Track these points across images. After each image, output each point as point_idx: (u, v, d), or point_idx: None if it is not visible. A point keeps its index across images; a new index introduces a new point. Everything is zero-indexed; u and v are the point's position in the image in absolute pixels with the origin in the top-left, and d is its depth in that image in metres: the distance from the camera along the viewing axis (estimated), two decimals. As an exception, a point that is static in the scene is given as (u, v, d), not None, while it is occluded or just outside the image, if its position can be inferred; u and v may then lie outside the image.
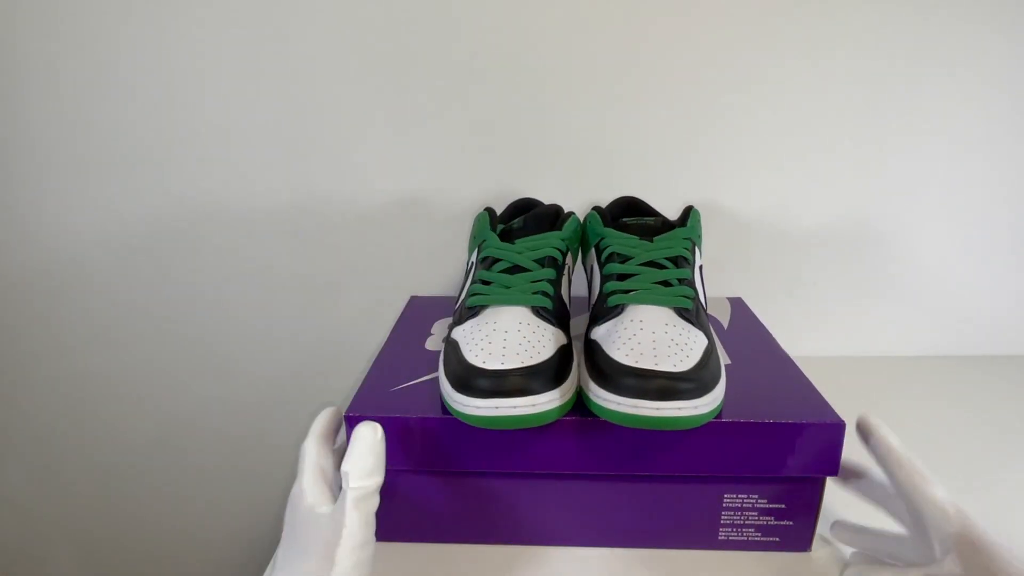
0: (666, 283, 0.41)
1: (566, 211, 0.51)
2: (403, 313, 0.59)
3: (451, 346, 0.39)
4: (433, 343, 0.50)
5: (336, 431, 0.41)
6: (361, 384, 0.44)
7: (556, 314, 0.41)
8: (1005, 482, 0.50)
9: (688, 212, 0.49)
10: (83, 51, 0.62)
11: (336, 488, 0.36)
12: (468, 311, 0.41)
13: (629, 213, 0.54)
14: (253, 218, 0.68)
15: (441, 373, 0.39)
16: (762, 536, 0.42)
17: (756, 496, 0.41)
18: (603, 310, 0.41)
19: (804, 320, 0.70)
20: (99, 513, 0.82)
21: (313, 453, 0.38)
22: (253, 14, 0.61)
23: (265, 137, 0.64)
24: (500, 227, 0.48)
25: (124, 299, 0.71)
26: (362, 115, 0.64)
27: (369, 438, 0.36)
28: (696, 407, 0.34)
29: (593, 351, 0.38)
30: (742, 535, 0.42)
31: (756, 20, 0.60)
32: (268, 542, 0.83)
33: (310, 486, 0.36)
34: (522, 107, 0.63)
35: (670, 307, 0.40)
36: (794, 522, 0.42)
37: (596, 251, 0.46)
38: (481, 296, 0.42)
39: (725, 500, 0.42)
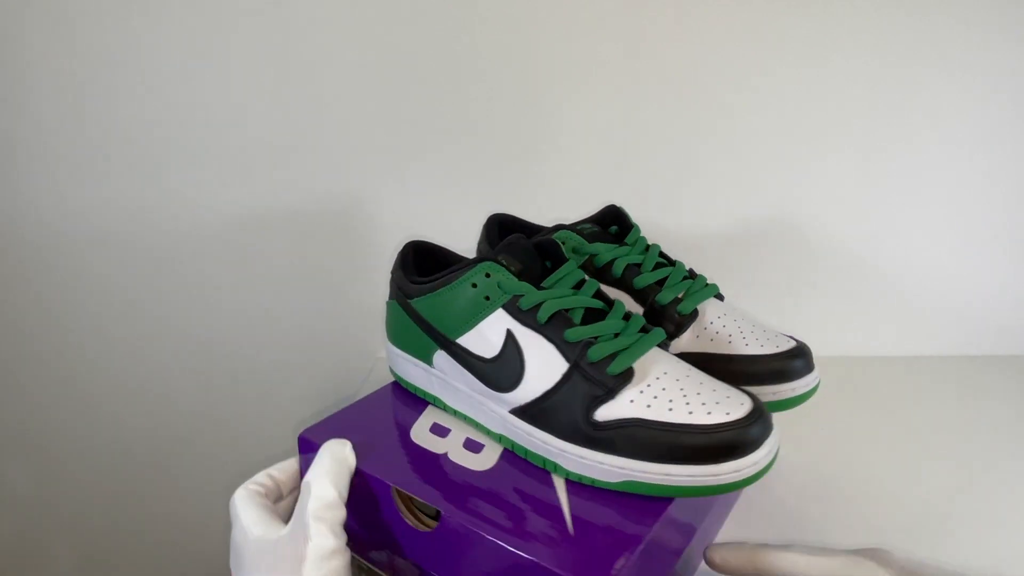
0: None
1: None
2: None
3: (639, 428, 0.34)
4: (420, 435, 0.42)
5: (270, 484, 0.40)
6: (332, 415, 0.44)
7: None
8: (1005, 482, 0.50)
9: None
10: (83, 50, 0.61)
11: (286, 517, 0.35)
12: (607, 377, 0.36)
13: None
14: (254, 217, 0.67)
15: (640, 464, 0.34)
16: None
17: None
18: None
19: (805, 320, 0.66)
20: (98, 511, 0.81)
21: (244, 497, 0.36)
22: (254, 14, 0.60)
23: (266, 137, 0.64)
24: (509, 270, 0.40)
25: (124, 298, 0.71)
26: (362, 116, 0.64)
27: (337, 451, 0.36)
28: None
29: None
30: None
31: (756, 20, 0.60)
32: None
33: (252, 522, 0.34)
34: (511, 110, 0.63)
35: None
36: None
37: None
38: (627, 353, 0.36)
39: None
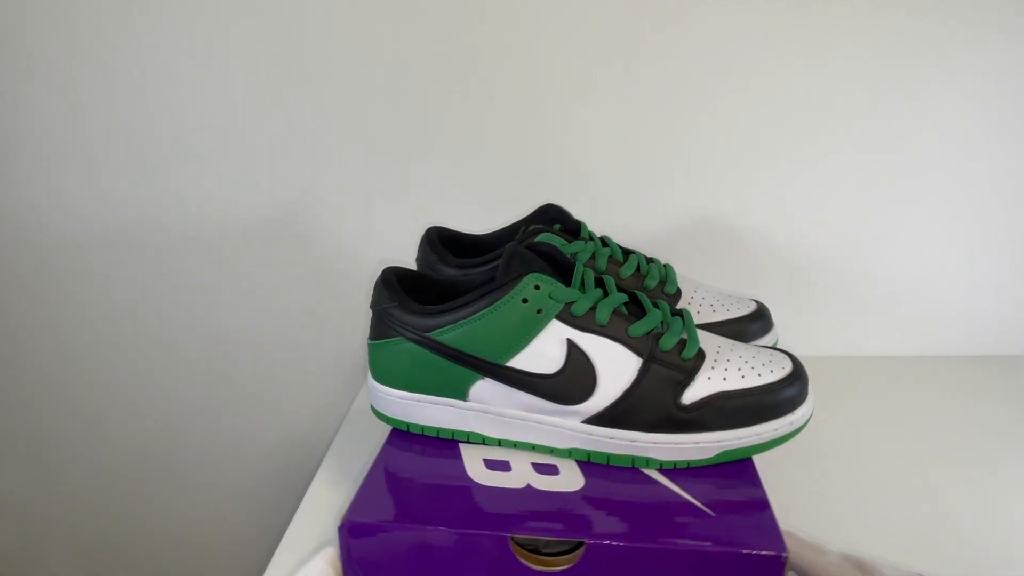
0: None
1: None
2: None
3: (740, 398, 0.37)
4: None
5: None
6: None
7: None
8: (1005, 482, 0.48)
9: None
10: (83, 50, 0.62)
11: None
12: (683, 362, 0.38)
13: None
14: (254, 217, 0.67)
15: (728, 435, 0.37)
16: None
17: None
18: None
19: (804, 320, 0.69)
20: (98, 514, 0.82)
21: None
22: (253, 14, 0.60)
23: (267, 136, 0.64)
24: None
25: (124, 299, 0.71)
26: (362, 117, 0.63)
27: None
28: None
29: None
30: None
31: (756, 20, 0.59)
32: (268, 543, 0.81)
33: None
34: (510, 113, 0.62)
35: None
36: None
37: None
38: (692, 337, 0.39)
39: None
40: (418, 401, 0.41)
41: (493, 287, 0.38)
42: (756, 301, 0.50)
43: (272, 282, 0.70)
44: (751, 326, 0.49)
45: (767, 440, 0.38)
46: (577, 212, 0.62)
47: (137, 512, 0.81)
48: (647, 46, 0.61)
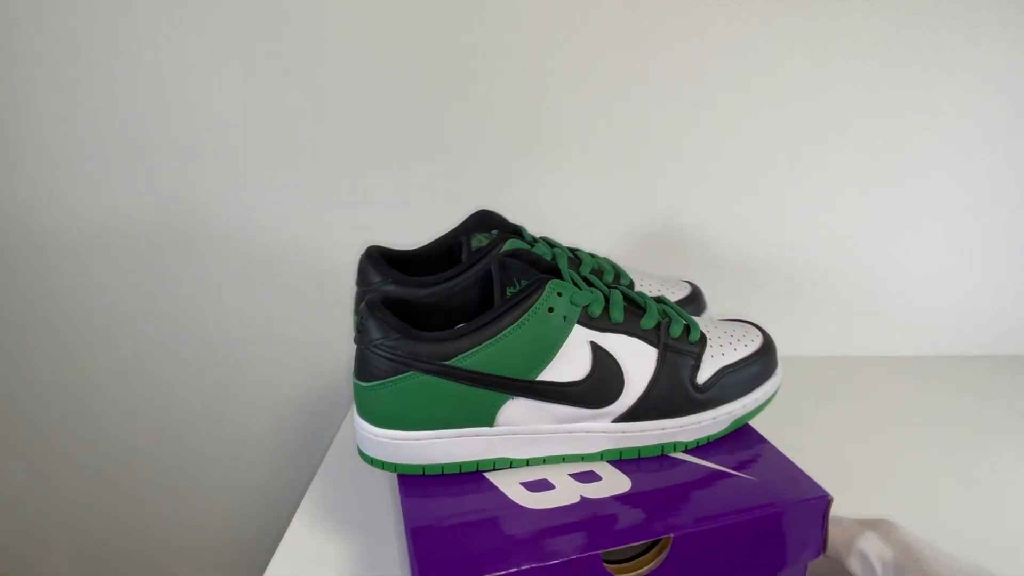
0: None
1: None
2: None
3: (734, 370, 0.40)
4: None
5: None
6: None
7: None
8: (1004, 482, 0.49)
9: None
10: (83, 51, 0.62)
11: None
12: (691, 345, 0.40)
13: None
14: (253, 216, 0.67)
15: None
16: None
17: None
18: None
19: (804, 320, 0.69)
20: (97, 515, 0.81)
21: None
22: (253, 15, 0.61)
23: (265, 137, 0.65)
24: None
25: (124, 298, 0.71)
26: (362, 117, 0.64)
27: None
28: None
29: None
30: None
31: (756, 20, 0.59)
32: (267, 543, 0.81)
33: None
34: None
35: None
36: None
37: None
38: (692, 321, 0.41)
39: None
40: (437, 439, 0.37)
41: (513, 301, 0.36)
42: (690, 283, 0.55)
43: (272, 282, 0.70)
44: (687, 308, 0.54)
45: (762, 402, 0.42)
46: (576, 211, 0.64)
47: (136, 512, 0.81)
48: (647, 46, 0.60)
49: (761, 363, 0.42)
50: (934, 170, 0.64)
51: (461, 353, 0.35)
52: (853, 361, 0.68)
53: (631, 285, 0.51)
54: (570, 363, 0.37)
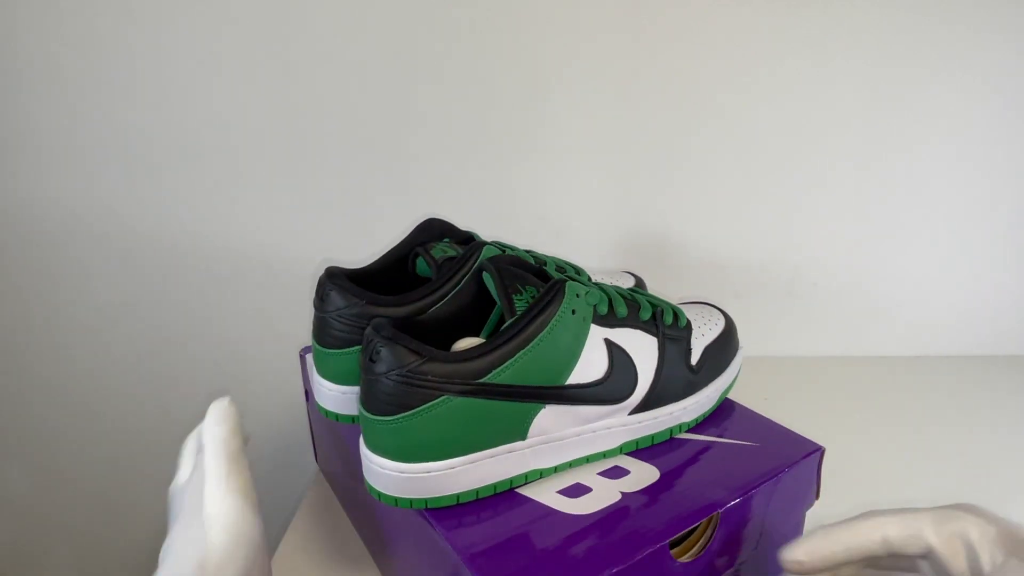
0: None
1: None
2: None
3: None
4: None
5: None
6: None
7: None
8: (1004, 482, 0.48)
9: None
10: (82, 51, 0.62)
11: None
12: (682, 331, 0.42)
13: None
14: (253, 217, 0.67)
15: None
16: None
17: None
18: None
19: (804, 320, 0.68)
20: (97, 514, 0.81)
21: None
22: (253, 15, 0.61)
23: (265, 137, 0.64)
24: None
25: (123, 298, 0.71)
26: (363, 117, 0.64)
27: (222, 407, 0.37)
28: None
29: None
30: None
31: (756, 20, 0.58)
32: (267, 543, 0.66)
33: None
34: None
35: None
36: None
37: None
38: (677, 308, 0.43)
39: None
40: (471, 463, 0.35)
41: (537, 308, 0.35)
42: (632, 274, 0.58)
43: (272, 282, 0.70)
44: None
45: (736, 373, 0.46)
46: (576, 211, 0.65)
47: (136, 512, 0.80)
48: (646, 45, 0.60)
49: (731, 337, 0.45)
50: (934, 170, 0.64)
51: (495, 368, 0.34)
52: (853, 361, 0.68)
53: (589, 281, 0.52)
54: (591, 363, 0.37)
